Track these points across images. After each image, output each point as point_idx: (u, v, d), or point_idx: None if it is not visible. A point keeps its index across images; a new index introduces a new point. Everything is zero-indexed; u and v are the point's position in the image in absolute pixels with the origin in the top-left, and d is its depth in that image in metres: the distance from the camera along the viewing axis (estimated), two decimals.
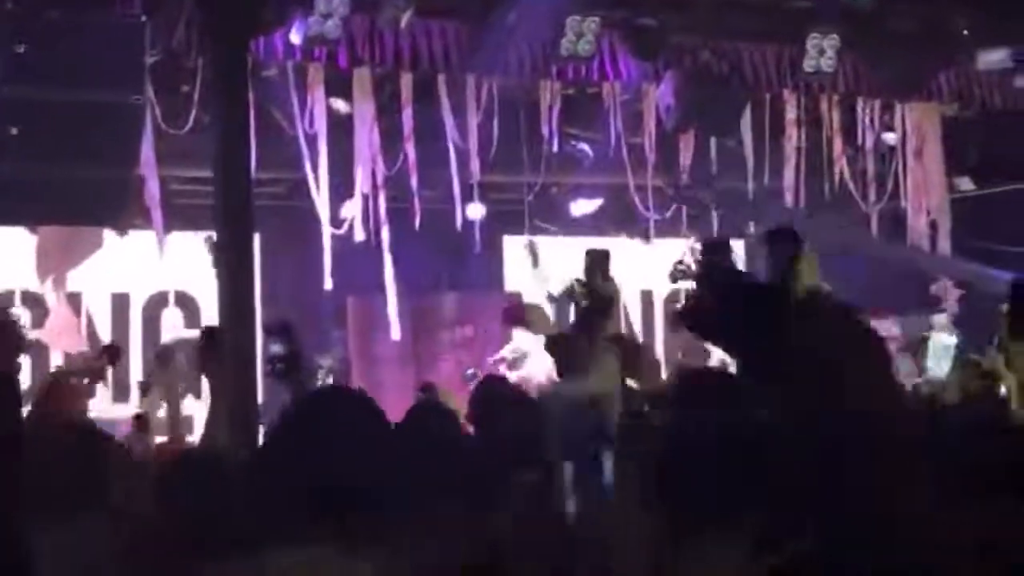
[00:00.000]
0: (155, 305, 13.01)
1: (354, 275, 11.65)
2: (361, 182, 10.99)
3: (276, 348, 4.21)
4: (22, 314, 10.70)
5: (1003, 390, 7.31)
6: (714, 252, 4.33)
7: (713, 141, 12.22)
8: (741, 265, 3.78)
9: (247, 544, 2.45)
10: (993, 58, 11.54)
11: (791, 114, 12.26)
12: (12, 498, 3.27)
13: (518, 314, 10.80)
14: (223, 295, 8.11)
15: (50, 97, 7.79)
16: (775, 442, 2.39)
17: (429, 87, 11.01)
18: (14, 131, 8.06)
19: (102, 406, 11.75)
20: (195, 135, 9.97)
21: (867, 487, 2.35)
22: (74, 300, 12.42)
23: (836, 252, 13.34)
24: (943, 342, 11.73)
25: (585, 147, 11.99)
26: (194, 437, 6.54)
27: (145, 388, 9.30)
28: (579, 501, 3.57)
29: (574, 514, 3.37)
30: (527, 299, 12.16)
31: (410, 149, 11.12)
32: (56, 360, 12.23)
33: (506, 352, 11.40)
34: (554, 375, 6.39)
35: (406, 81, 10.88)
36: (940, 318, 12.08)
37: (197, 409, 8.71)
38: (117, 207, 9.16)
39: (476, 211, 12.03)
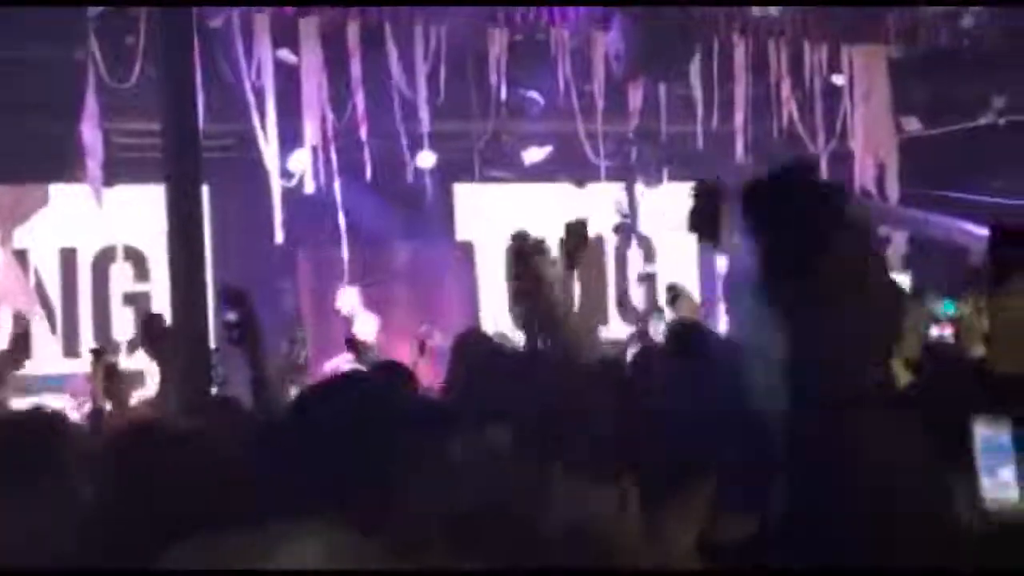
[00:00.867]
0: (104, 260, 12.90)
1: (305, 228, 11.60)
2: (311, 134, 10.92)
3: (230, 316, 4.18)
4: None
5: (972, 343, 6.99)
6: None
7: (663, 87, 12.21)
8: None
9: (248, 520, 2.45)
10: None
11: (740, 59, 12.29)
12: None
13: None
14: (172, 249, 8.02)
15: None
16: None
17: (377, 36, 10.93)
18: None
19: (52, 362, 11.72)
20: (141, 88, 9.87)
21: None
22: (21, 257, 12.30)
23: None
24: None
25: (535, 95, 11.93)
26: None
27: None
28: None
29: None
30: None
31: (359, 99, 11.05)
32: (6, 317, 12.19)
33: None
34: None
35: (353, 29, 10.80)
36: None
37: None
38: (62, 163, 9.04)
39: (427, 160, 11.96)
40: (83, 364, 11.59)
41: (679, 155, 12.71)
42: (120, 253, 12.86)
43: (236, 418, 4.52)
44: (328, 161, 11.05)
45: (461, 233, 14.00)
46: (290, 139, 10.98)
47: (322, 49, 10.78)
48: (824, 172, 12.86)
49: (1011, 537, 2.98)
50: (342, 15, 10.50)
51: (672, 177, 12.85)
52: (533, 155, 12.92)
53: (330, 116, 10.99)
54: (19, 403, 6.89)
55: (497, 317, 13.09)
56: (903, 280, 11.70)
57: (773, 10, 11.33)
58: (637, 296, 13.85)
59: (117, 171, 10.87)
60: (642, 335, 11.16)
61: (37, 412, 3.83)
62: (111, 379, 5.47)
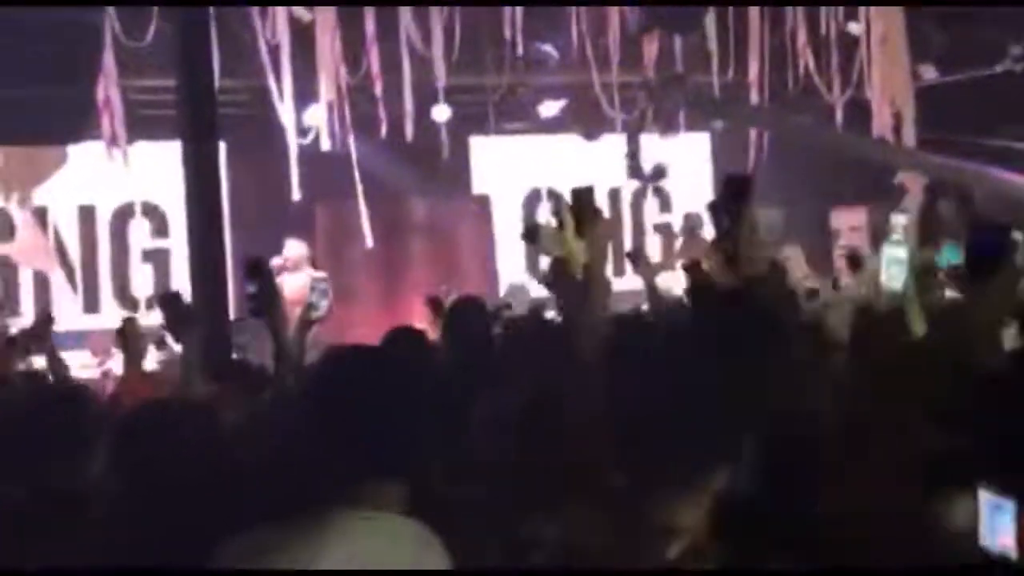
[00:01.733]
0: (122, 216, 12.97)
1: (322, 183, 11.62)
2: (325, 90, 10.93)
3: (250, 287, 4.20)
4: None
5: None
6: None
7: (678, 37, 12.16)
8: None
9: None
10: None
11: (755, 8, 12.23)
12: None
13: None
14: (190, 205, 8.07)
15: (6, 16, 7.64)
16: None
17: None
18: None
19: (72, 318, 11.81)
20: (157, 45, 9.92)
21: None
22: (40, 214, 12.38)
23: (799, 144, 13.43)
24: (896, 255, 11.49)
25: (549, 48, 11.91)
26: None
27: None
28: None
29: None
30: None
31: (373, 55, 11.05)
32: (27, 276, 12.33)
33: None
34: None
35: None
36: (899, 219, 11.86)
37: None
38: (80, 124, 9.07)
39: (442, 114, 11.96)
40: (103, 320, 11.76)
41: (696, 104, 12.67)
42: (139, 209, 12.94)
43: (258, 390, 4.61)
44: (343, 117, 11.06)
45: (477, 187, 13.99)
46: (306, 96, 10.99)
47: (336, 5, 10.77)
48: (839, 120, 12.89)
49: None
50: None
51: (689, 127, 12.86)
52: (548, 108, 12.91)
53: (344, 72, 10.99)
54: (40, 361, 6.95)
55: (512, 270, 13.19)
56: (902, 254, 11.50)
57: None
58: (653, 246, 13.83)
59: (134, 128, 10.92)
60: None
61: (62, 387, 3.87)
62: (133, 343, 5.51)
